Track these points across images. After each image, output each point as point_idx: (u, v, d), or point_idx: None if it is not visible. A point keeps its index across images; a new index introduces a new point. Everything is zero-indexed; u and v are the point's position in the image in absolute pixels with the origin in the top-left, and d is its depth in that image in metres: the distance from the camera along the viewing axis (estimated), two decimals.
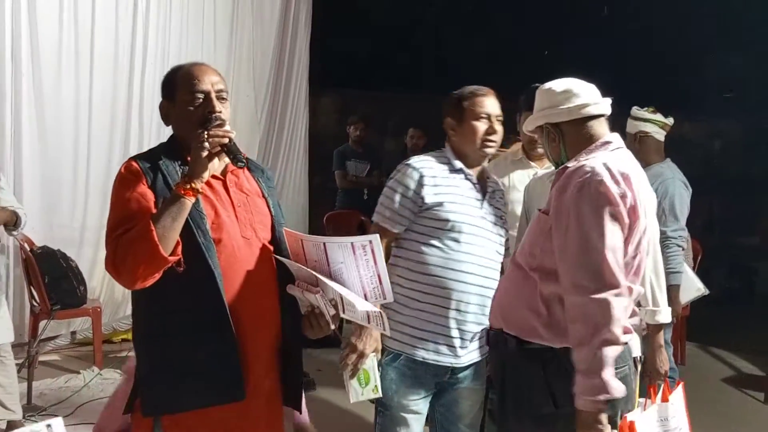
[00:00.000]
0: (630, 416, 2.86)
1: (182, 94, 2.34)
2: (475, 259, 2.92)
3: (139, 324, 2.39)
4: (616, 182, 2.32)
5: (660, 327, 3.16)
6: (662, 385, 3.15)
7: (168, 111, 2.40)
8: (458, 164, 2.99)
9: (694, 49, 6.85)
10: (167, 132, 2.44)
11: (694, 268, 5.58)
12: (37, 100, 5.83)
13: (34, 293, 5.39)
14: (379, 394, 2.89)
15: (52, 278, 5.34)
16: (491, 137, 2.97)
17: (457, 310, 2.90)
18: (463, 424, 3.06)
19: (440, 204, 2.90)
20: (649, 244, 2.62)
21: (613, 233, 2.30)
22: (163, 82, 2.42)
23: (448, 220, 2.91)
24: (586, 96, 2.54)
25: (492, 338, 2.66)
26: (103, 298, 6.29)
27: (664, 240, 4.31)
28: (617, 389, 2.25)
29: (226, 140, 2.23)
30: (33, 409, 4.75)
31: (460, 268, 2.90)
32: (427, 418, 3.11)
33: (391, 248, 3.00)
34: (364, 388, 2.85)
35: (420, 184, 2.92)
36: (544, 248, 2.42)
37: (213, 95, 2.33)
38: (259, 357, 2.35)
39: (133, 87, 6.52)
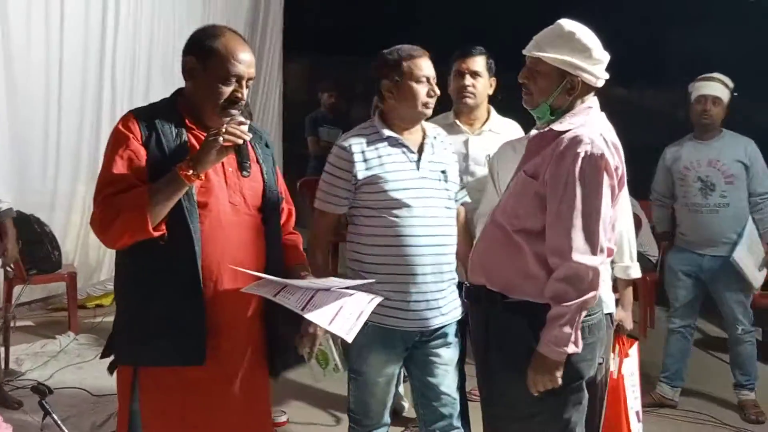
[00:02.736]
0: (615, 372, 3.00)
1: (217, 66, 2.30)
2: (423, 221, 2.93)
3: (119, 277, 2.42)
4: (612, 155, 2.41)
5: (630, 282, 3.27)
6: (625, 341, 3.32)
7: (193, 70, 2.35)
8: (386, 132, 2.98)
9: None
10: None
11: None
12: (6, 60, 5.68)
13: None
14: (340, 371, 2.95)
15: (26, 243, 5.29)
16: (431, 100, 2.98)
17: (414, 274, 2.91)
18: (442, 387, 3.06)
19: (373, 177, 2.91)
20: (623, 201, 2.79)
21: (607, 205, 2.40)
22: (197, 39, 2.37)
23: (385, 191, 2.91)
24: (603, 66, 2.55)
25: (472, 293, 2.70)
26: (77, 263, 6.26)
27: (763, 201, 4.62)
28: (578, 347, 2.41)
29: (241, 142, 2.23)
30: (11, 374, 4.73)
31: (410, 233, 2.90)
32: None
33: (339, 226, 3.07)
34: (324, 368, 2.90)
35: (350, 162, 2.92)
36: (528, 211, 2.48)
37: (245, 82, 2.33)
38: (238, 323, 2.38)
39: (106, 47, 6.42)
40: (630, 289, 3.34)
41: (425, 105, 2.97)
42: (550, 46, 2.52)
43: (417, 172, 2.97)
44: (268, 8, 7.67)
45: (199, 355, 2.27)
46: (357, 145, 2.95)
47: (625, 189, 2.71)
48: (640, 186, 4.71)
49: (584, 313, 2.43)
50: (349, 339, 2.23)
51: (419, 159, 2.99)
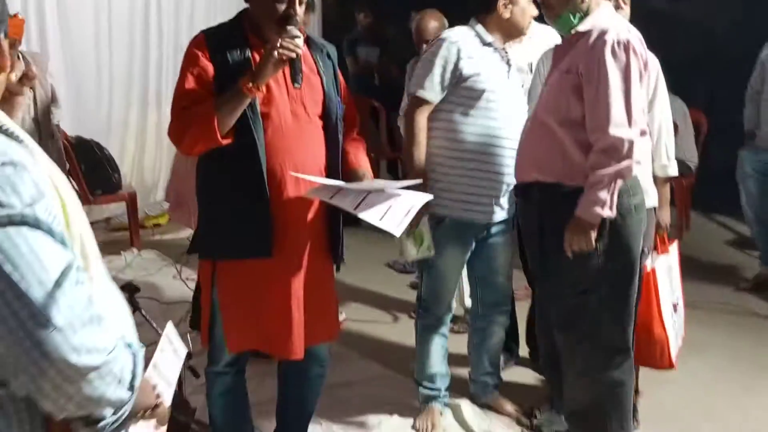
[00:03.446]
0: (648, 266, 3.22)
1: None
2: (507, 124, 3.19)
3: (198, 181, 2.69)
4: (638, 43, 2.68)
5: (668, 180, 3.47)
6: (662, 236, 3.53)
7: None
8: (489, 38, 3.22)
9: None
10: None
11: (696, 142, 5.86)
12: None
13: (72, 181, 5.68)
14: (432, 253, 3.20)
15: (88, 166, 5.62)
16: (530, 22, 3.25)
17: (495, 172, 3.20)
18: (500, 275, 3.44)
19: (476, 75, 3.15)
20: (661, 102, 2.99)
21: (636, 83, 2.66)
22: None
23: (483, 90, 3.16)
24: None
25: (523, 190, 2.97)
26: (134, 184, 6.59)
27: None
28: (613, 211, 2.66)
29: (294, 55, 2.43)
30: None
31: (495, 134, 3.18)
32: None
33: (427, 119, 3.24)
34: (419, 246, 3.15)
35: (458, 56, 3.15)
36: (569, 103, 2.73)
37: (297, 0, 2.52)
38: (300, 221, 2.62)
39: None
40: (668, 187, 3.53)
41: (528, 27, 3.26)
42: None
43: (508, 81, 3.26)
44: None
45: (266, 249, 2.54)
46: (464, 42, 3.19)
47: (665, 90, 3.04)
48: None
49: (620, 182, 2.66)
50: (397, 233, 2.48)
51: (509, 69, 3.26)
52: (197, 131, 2.44)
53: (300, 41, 2.46)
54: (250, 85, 2.40)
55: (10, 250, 1.09)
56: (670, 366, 3.44)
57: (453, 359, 3.64)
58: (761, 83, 5.05)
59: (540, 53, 3.53)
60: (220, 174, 2.57)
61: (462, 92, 3.18)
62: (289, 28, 2.48)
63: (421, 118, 3.20)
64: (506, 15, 3.19)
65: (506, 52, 3.27)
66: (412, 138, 3.21)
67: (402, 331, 4.50)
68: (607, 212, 2.66)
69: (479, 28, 3.24)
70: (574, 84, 2.72)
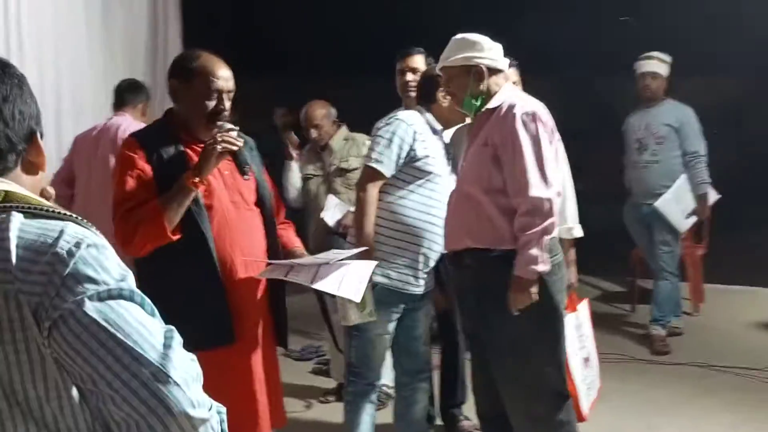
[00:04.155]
0: None
1: (200, 85, 2.63)
2: (442, 204, 3.40)
3: (141, 282, 2.70)
4: (543, 112, 3.01)
5: (573, 242, 3.79)
6: (570, 295, 3.82)
7: (178, 92, 2.69)
8: (437, 126, 3.52)
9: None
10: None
11: None
12: None
13: None
14: (374, 318, 3.32)
15: None
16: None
17: (428, 248, 3.42)
18: (421, 343, 3.62)
19: (426, 158, 3.40)
20: (563, 169, 3.37)
21: (549, 150, 2.95)
22: (179, 65, 2.71)
23: (430, 173, 3.42)
24: (499, 52, 3.14)
25: (455, 257, 3.19)
26: None
27: (698, 157, 5.41)
28: (547, 266, 2.93)
29: (235, 148, 2.58)
30: None
31: (432, 212, 3.41)
32: None
33: None
34: (361, 311, 3.27)
35: (414, 138, 3.39)
36: (490, 173, 3.00)
37: (225, 95, 2.66)
38: (252, 305, 2.72)
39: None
40: (573, 249, 3.87)
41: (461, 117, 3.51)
42: (451, 54, 3.12)
43: (447, 165, 3.53)
44: (166, 34, 7.87)
45: (229, 335, 2.61)
46: (419, 125, 3.44)
47: (565, 157, 3.40)
48: None
49: (547, 239, 2.92)
50: (357, 299, 2.67)
51: (448, 155, 3.54)
52: (147, 230, 2.50)
53: (235, 134, 2.59)
54: (196, 180, 2.50)
55: (117, 321, 1.18)
56: (580, 419, 3.62)
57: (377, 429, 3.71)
58: (627, 152, 5.75)
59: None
60: (167, 269, 2.58)
61: (411, 171, 3.40)
62: (220, 123, 2.61)
63: (374, 190, 3.38)
64: (445, 104, 3.47)
65: (443, 139, 3.56)
66: (363, 208, 3.37)
67: (318, 415, 4.59)
68: (542, 267, 2.91)
69: (428, 116, 3.51)
70: (491, 155, 3.00)
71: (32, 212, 1.24)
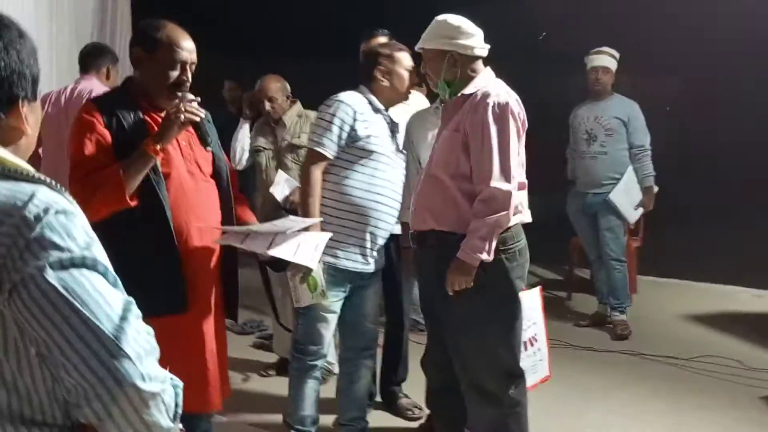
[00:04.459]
0: None
1: (163, 55, 2.63)
2: (389, 183, 3.50)
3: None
4: (515, 104, 3.04)
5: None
6: None
7: (141, 61, 2.68)
8: (379, 105, 3.54)
9: None
10: None
11: None
12: None
13: None
14: (326, 298, 3.37)
15: None
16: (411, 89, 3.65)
17: (375, 227, 3.48)
18: (367, 321, 3.69)
19: (368, 137, 3.43)
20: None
21: (515, 142, 3.01)
22: (142, 32, 2.71)
23: (372, 152, 3.46)
24: (479, 38, 3.16)
25: (419, 238, 3.25)
26: None
27: (645, 151, 5.60)
28: (490, 255, 2.99)
29: (197, 119, 2.60)
30: None
31: (378, 191, 3.47)
32: None
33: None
34: (313, 292, 3.31)
35: (354, 118, 3.42)
36: (459, 159, 3.06)
37: (189, 66, 2.67)
38: (205, 275, 2.75)
39: None
40: None
41: (408, 93, 3.66)
42: (429, 36, 3.16)
43: (392, 144, 3.59)
44: (115, 9, 7.73)
45: (182, 304, 2.63)
46: (359, 105, 3.48)
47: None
48: None
49: (498, 231, 3.00)
50: (313, 266, 2.76)
51: (394, 133, 3.61)
52: (105, 194, 2.50)
53: (196, 105, 2.61)
54: (157, 147, 2.52)
55: (76, 289, 1.21)
56: None
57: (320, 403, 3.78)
58: (574, 143, 5.92)
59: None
60: (123, 235, 2.54)
61: (353, 151, 3.44)
62: (182, 93, 2.63)
63: (318, 172, 3.42)
64: (385, 83, 3.53)
65: (390, 118, 3.60)
66: (308, 189, 3.41)
67: (260, 387, 4.66)
68: (485, 256, 2.97)
69: (370, 96, 3.54)
70: (462, 141, 3.05)
71: (5, 174, 1.26)
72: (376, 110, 3.56)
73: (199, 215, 2.71)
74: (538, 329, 4.03)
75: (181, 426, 1.52)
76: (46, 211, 1.23)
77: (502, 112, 3.01)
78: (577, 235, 6.27)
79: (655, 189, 5.73)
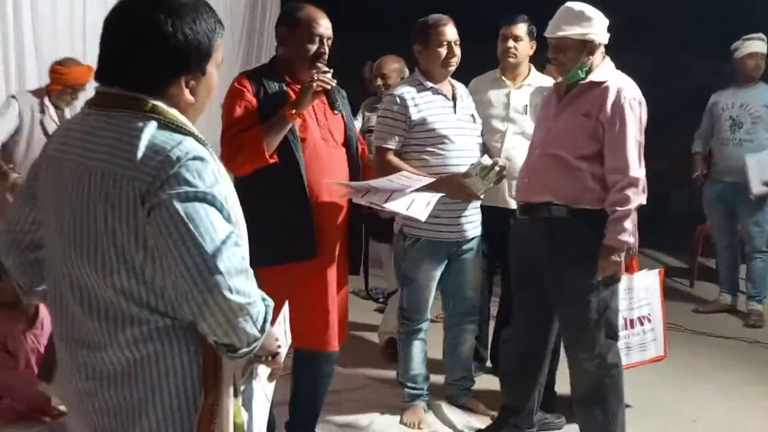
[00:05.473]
0: None
1: (303, 31, 3.03)
2: (463, 153, 3.70)
3: (238, 194, 3.11)
4: (644, 103, 3.32)
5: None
6: (629, 260, 4.06)
7: (284, 38, 3.11)
8: (429, 84, 3.74)
9: None
10: None
11: None
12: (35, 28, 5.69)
13: None
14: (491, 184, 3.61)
15: None
16: (451, 60, 3.72)
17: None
18: (469, 288, 3.94)
19: (424, 119, 3.66)
20: None
21: (643, 136, 3.31)
22: (287, 14, 3.13)
23: (434, 129, 3.67)
24: (605, 26, 3.38)
25: (531, 209, 3.48)
26: None
27: None
28: (635, 238, 3.32)
29: (329, 87, 2.98)
30: None
31: (453, 163, 3.66)
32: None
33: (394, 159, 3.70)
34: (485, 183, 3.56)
35: (404, 106, 3.65)
36: (585, 141, 3.31)
37: (326, 40, 3.05)
38: (333, 227, 3.13)
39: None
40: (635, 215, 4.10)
41: (446, 64, 3.72)
42: (567, 25, 3.33)
43: (455, 116, 3.75)
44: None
45: (311, 251, 3.02)
46: (408, 92, 3.69)
47: None
48: None
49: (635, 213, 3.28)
50: (423, 218, 3.12)
51: (455, 105, 3.77)
52: (248, 152, 2.91)
53: (330, 75, 2.98)
54: (293, 111, 2.91)
55: (193, 215, 1.57)
56: None
57: (430, 365, 4.09)
58: (716, 130, 5.87)
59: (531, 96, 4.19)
60: (263, 188, 2.97)
61: (417, 135, 3.66)
62: (319, 65, 3.01)
63: (392, 158, 3.65)
64: (422, 60, 3.74)
65: (441, 90, 3.75)
66: (394, 170, 3.51)
67: (376, 350, 5.00)
68: (631, 239, 3.26)
69: (419, 75, 3.76)
70: (593, 127, 3.29)
71: (165, 124, 1.65)
72: (426, 89, 3.71)
73: (329, 176, 3.08)
74: (653, 309, 4.17)
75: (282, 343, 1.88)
76: (186, 155, 1.60)
77: (638, 107, 3.28)
78: (704, 222, 6.28)
79: None
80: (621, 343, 3.97)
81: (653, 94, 7.21)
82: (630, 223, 3.22)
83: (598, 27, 3.32)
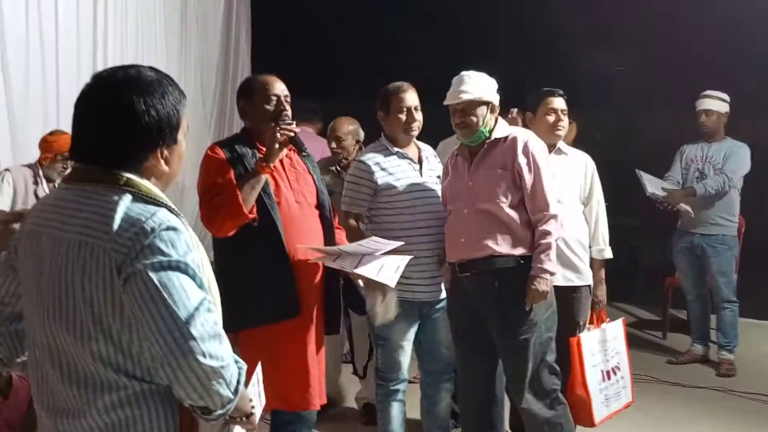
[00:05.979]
0: (583, 337, 3.90)
1: (259, 96, 3.19)
2: (428, 215, 3.79)
3: (218, 260, 3.15)
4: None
5: (603, 263, 4.24)
6: (599, 313, 4.18)
7: (246, 109, 3.27)
8: (394, 149, 3.84)
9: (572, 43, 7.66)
10: None
11: None
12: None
13: None
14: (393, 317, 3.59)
15: None
16: (412, 125, 3.82)
17: (426, 257, 3.76)
18: (442, 346, 3.96)
19: (390, 183, 3.75)
20: (597, 195, 4.16)
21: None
22: (242, 88, 3.30)
23: (400, 193, 3.76)
24: (496, 89, 3.69)
25: (477, 265, 3.60)
26: None
27: (723, 175, 5.66)
28: (556, 267, 3.59)
29: (293, 134, 3.11)
30: None
31: (419, 226, 3.76)
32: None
33: (362, 222, 3.82)
34: (388, 313, 3.55)
35: (369, 172, 3.75)
36: (510, 193, 3.55)
37: (283, 98, 3.20)
38: (310, 287, 3.20)
39: None
40: (603, 269, 4.27)
41: (408, 129, 3.83)
42: (470, 89, 3.57)
43: (420, 178, 3.84)
44: (237, 56, 8.42)
45: (294, 309, 3.09)
46: (373, 158, 3.80)
47: (599, 184, 4.15)
48: None
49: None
50: (392, 284, 3.18)
51: (420, 168, 3.87)
52: (227, 210, 3.00)
53: (293, 124, 3.12)
54: (264, 165, 3.03)
55: (167, 283, 1.66)
56: (591, 424, 4.03)
57: (408, 425, 4.08)
58: (683, 181, 5.98)
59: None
60: (244, 249, 3.08)
61: (383, 198, 3.76)
62: (282, 115, 3.14)
63: (354, 223, 3.76)
64: (385, 126, 3.85)
65: (405, 153, 3.85)
66: (355, 232, 3.68)
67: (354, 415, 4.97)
68: (554, 268, 3.50)
69: (385, 140, 3.86)
70: (511, 177, 3.55)
71: (140, 196, 1.74)
72: (392, 154, 3.82)
73: (303, 239, 3.17)
74: (621, 358, 4.26)
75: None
76: (160, 225, 1.69)
77: (542, 152, 3.66)
78: (672, 274, 6.38)
79: (698, 192, 5.71)
80: (601, 396, 4.06)
81: (622, 150, 7.49)
82: (553, 254, 3.51)
83: (494, 90, 3.63)
